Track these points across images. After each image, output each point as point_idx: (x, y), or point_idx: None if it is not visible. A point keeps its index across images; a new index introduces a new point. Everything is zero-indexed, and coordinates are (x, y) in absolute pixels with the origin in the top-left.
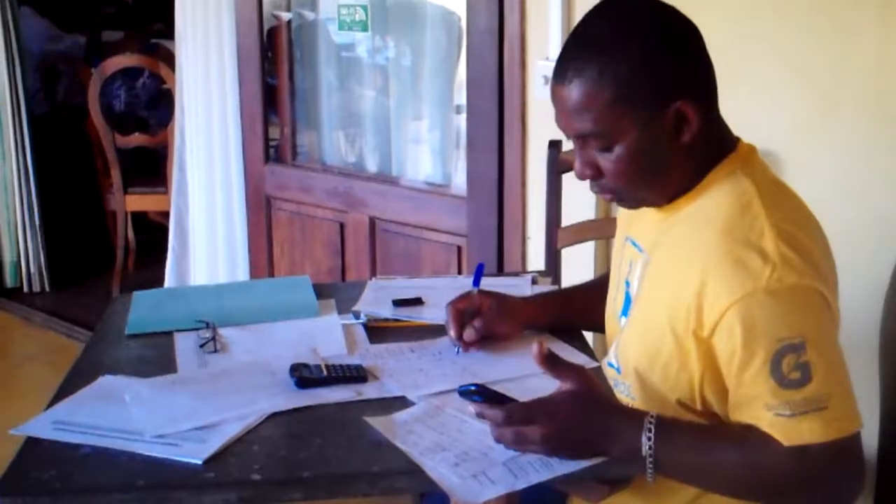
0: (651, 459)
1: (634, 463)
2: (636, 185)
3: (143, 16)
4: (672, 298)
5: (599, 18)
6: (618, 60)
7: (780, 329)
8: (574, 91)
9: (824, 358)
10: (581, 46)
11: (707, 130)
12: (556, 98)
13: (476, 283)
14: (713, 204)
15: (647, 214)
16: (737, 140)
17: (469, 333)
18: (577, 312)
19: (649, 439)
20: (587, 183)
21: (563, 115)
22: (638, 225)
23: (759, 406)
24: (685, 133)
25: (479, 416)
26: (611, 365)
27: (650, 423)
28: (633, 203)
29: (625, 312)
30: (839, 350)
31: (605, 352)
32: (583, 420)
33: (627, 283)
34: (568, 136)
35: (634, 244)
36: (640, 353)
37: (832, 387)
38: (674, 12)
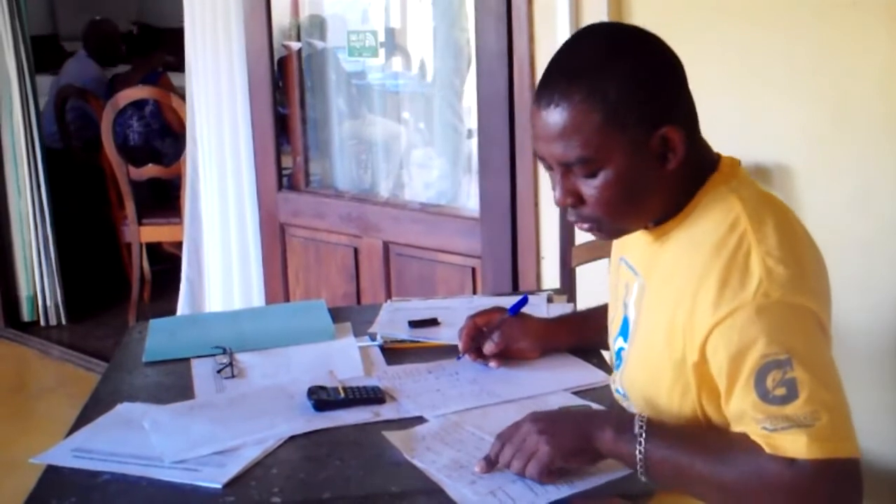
0: (641, 456)
1: (624, 462)
2: (619, 213)
3: (149, 46)
4: (669, 326)
5: (582, 43)
6: (606, 83)
7: (765, 345)
8: (561, 116)
9: (813, 376)
10: (567, 71)
11: (691, 155)
12: (540, 125)
13: (513, 310)
14: (701, 227)
15: (638, 235)
16: (718, 157)
17: (489, 347)
18: (595, 333)
19: (640, 435)
20: None
21: (547, 141)
22: (630, 245)
23: (748, 421)
24: (671, 161)
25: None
26: (618, 392)
27: (640, 420)
28: (610, 234)
29: (622, 333)
30: (833, 371)
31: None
32: (569, 414)
33: (626, 306)
34: (549, 164)
35: (629, 265)
36: (646, 381)
37: (821, 406)
38: (654, 39)
